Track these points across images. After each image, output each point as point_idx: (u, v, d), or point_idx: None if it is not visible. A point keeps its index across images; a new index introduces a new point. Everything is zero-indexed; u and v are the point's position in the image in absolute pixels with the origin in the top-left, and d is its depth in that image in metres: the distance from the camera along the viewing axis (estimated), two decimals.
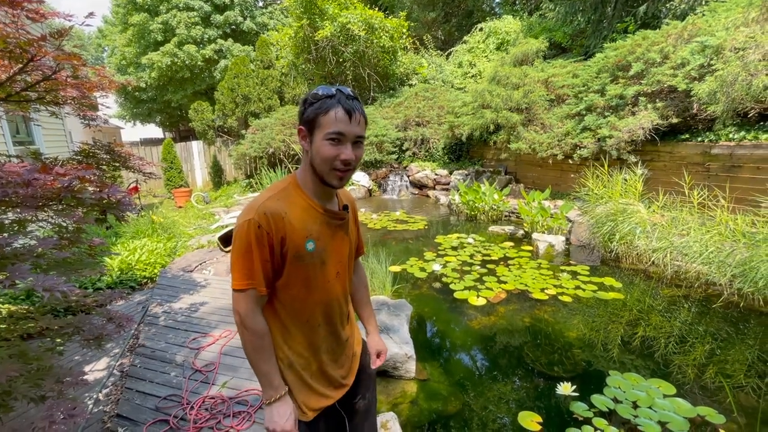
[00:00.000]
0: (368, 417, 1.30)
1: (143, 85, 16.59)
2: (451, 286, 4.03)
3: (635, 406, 2.28)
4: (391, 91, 12.23)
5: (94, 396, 2.39)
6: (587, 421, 2.19)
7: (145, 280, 4.39)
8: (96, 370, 2.69)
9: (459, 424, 2.25)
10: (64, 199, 1.60)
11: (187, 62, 15.34)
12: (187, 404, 2.24)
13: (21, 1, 1.57)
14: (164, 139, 15.78)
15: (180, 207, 10.04)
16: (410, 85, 12.18)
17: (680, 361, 2.74)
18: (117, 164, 2.38)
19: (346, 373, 1.20)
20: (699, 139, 5.17)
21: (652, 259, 4.28)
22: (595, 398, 2.35)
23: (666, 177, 5.49)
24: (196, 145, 13.53)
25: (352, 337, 1.23)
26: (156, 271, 4.52)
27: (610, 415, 2.23)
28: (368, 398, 1.29)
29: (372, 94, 12.09)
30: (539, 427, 2.16)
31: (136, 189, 8.84)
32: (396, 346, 2.65)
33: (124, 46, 16.67)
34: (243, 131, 11.33)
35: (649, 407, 2.26)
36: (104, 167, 2.30)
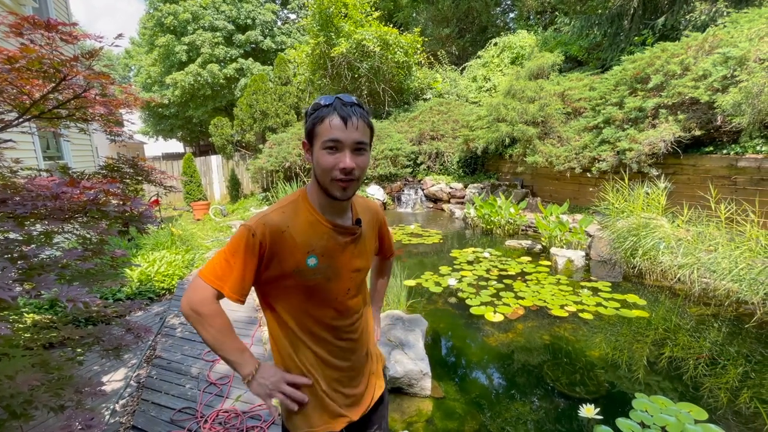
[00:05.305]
0: None
1: (166, 101, 17.29)
2: (467, 302, 3.96)
3: (664, 431, 2.16)
4: (405, 106, 12.35)
5: (111, 407, 2.41)
6: None
7: (164, 292, 4.46)
8: (114, 380, 2.73)
9: None
10: (89, 212, 1.65)
11: (209, 80, 15.94)
12: (201, 417, 2.23)
13: (56, 25, 1.65)
14: (185, 153, 16.26)
15: (198, 220, 10.25)
16: (425, 100, 12.28)
17: (711, 384, 2.60)
18: (140, 178, 2.45)
19: (362, 391, 1.15)
20: (724, 151, 5.02)
21: (678, 275, 4.12)
22: (621, 422, 2.24)
23: (690, 191, 5.33)
24: (215, 160, 13.90)
25: (369, 354, 1.19)
26: (174, 282, 4.59)
27: None
28: (383, 427, 1.25)
29: (387, 108, 12.24)
30: None
31: (156, 202, 9.10)
32: (411, 363, 2.60)
33: (150, 66, 17.47)
34: (260, 146, 11.58)
35: None
36: (128, 181, 2.37)
